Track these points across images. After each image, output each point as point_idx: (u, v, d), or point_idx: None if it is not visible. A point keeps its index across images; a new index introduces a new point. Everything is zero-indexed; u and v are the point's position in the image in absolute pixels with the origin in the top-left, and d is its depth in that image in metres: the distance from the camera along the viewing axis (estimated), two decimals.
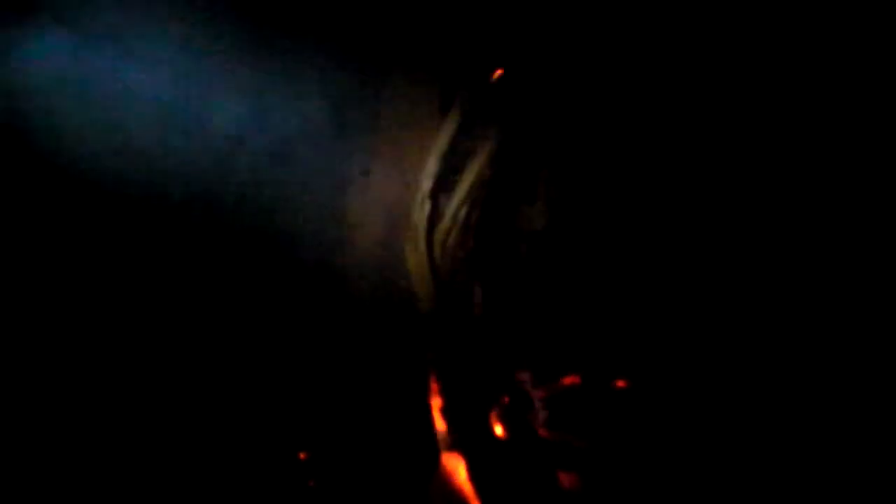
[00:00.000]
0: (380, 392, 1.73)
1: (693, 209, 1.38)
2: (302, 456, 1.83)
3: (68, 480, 1.64)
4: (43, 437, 1.59)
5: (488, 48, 1.60)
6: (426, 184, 1.41)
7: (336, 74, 1.29)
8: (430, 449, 1.70)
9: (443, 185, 1.42)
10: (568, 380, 1.56)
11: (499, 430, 1.59)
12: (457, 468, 1.67)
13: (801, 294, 1.39)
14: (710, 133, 1.35)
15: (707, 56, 1.56)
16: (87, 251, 1.39)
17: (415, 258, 1.52)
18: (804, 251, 1.48)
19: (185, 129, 1.19)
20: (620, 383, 1.51)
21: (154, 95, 1.18)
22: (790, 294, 1.37)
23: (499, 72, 1.31)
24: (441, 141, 1.25)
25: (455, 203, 1.41)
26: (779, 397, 1.52)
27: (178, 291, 1.45)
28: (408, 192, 1.32)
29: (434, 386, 1.69)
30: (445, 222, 1.43)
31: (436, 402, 1.70)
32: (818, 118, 1.62)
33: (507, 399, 1.56)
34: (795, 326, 1.42)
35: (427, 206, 1.44)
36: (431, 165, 1.34)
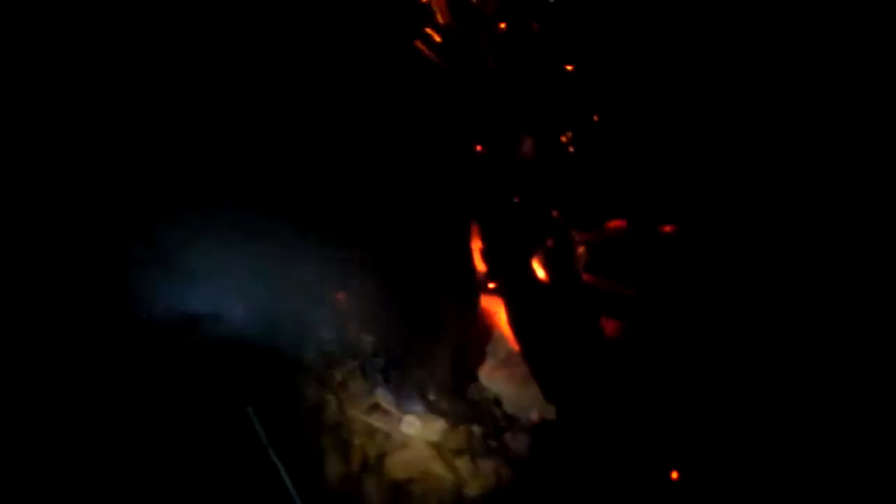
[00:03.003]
0: (422, 235, 1.71)
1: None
2: (339, 296, 1.84)
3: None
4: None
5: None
6: None
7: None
8: (470, 291, 1.69)
9: None
10: (614, 224, 1.50)
11: (541, 273, 1.56)
12: (496, 311, 1.66)
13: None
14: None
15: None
16: None
17: None
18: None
19: None
20: (667, 228, 1.45)
21: None
22: None
23: None
24: None
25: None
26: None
27: None
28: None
29: (475, 228, 1.65)
30: None
31: (476, 245, 1.67)
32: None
33: (551, 242, 1.52)
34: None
35: None
36: None
